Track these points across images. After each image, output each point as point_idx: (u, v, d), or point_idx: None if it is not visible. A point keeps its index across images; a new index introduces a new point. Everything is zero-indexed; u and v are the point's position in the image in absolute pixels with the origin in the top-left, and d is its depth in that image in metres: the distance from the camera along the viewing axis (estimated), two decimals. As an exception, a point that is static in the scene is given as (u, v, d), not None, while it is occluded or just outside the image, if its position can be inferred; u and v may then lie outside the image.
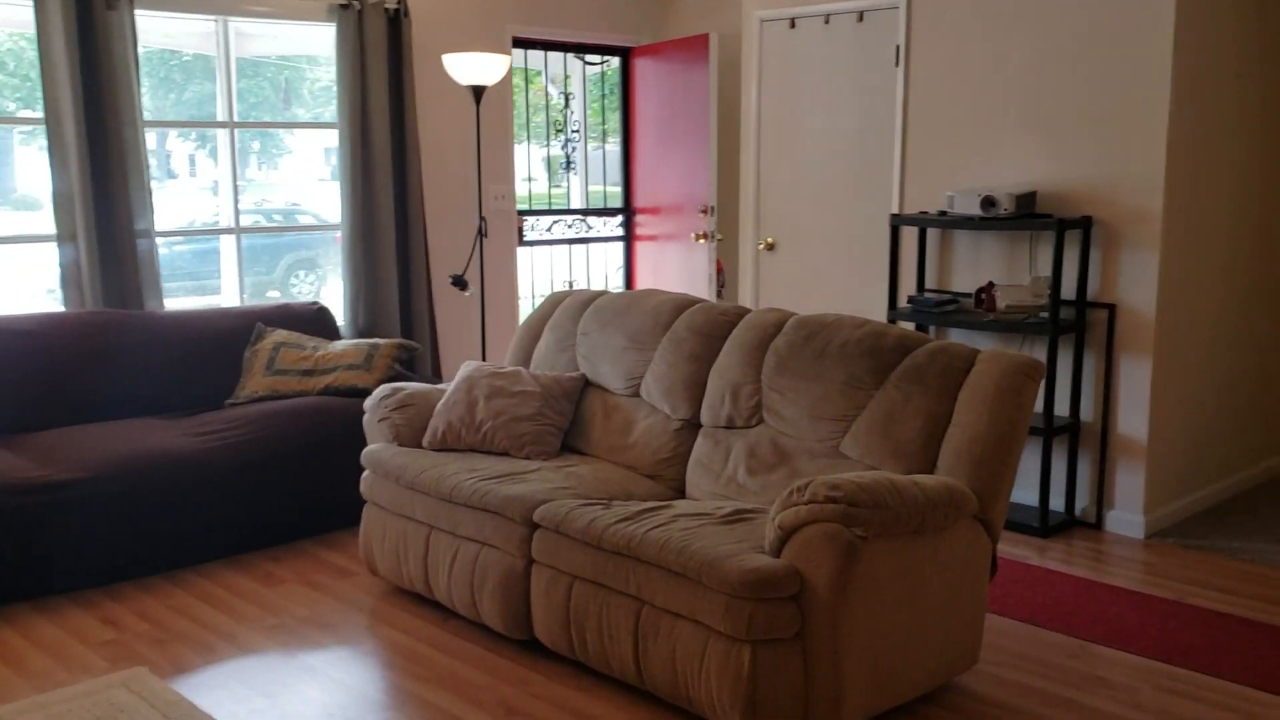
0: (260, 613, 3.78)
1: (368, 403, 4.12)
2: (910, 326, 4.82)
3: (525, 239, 6.45)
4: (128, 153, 4.77)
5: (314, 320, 5.20)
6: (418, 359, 5.60)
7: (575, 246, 6.75)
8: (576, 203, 6.88)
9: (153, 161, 5.06)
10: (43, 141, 4.66)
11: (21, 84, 5.12)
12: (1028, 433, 4.16)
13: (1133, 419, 4.50)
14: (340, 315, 5.61)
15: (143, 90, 4.86)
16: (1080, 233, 4.50)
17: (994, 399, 3.15)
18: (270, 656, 3.45)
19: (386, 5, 5.44)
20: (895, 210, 5.10)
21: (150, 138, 5.10)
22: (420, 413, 4.04)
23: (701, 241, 6.13)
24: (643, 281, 6.66)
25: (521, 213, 6.43)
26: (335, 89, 5.42)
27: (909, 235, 5.06)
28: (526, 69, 6.61)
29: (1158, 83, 4.28)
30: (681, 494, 3.73)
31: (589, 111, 6.87)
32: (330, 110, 5.91)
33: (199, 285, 6.14)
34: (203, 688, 3.24)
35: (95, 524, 3.90)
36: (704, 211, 6.10)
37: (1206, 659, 3.40)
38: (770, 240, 5.66)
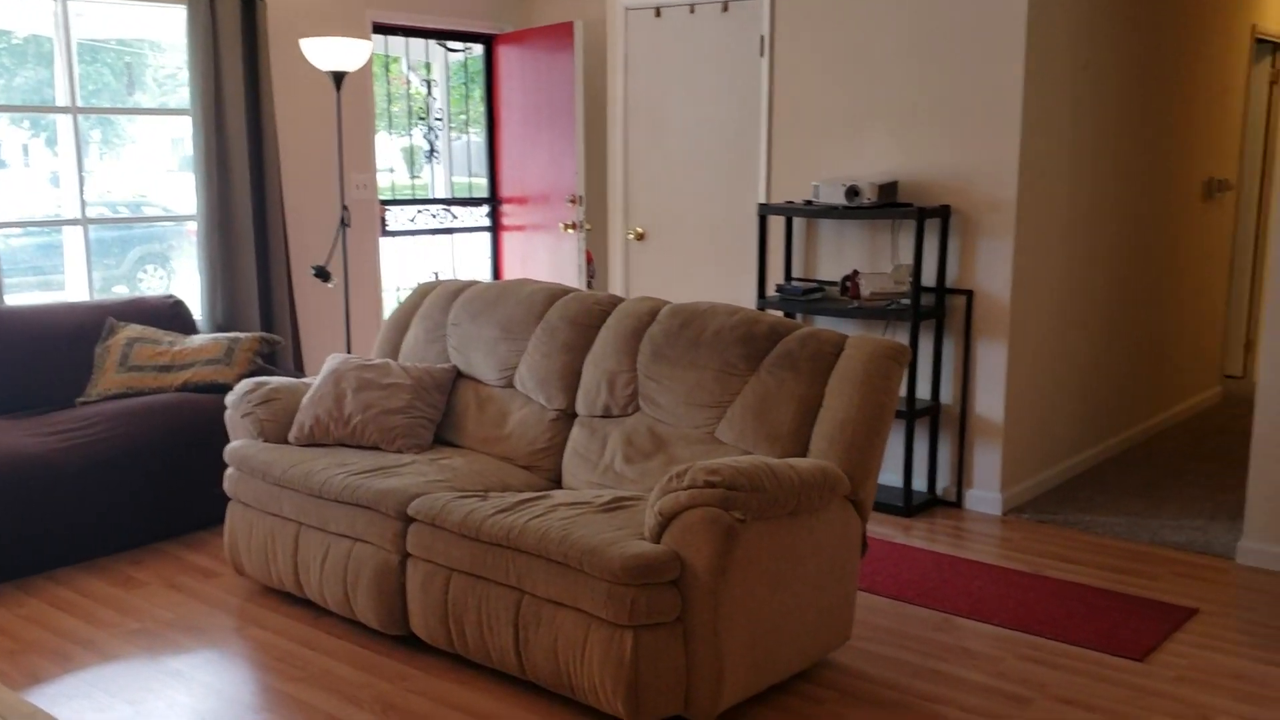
0: (121, 618, 3.62)
1: (230, 398, 3.98)
2: (781, 316, 4.91)
3: (388, 230, 6.33)
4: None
5: (170, 314, 4.99)
6: (280, 353, 5.44)
7: (440, 237, 6.65)
8: (440, 193, 6.78)
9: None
10: None
11: None
12: (894, 415, 4.29)
13: (989, 401, 4.68)
14: (197, 309, 5.41)
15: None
16: (939, 221, 4.66)
17: (863, 383, 3.23)
18: (133, 662, 3.31)
19: (241, -13, 5.26)
20: (763, 200, 5.18)
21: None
22: (286, 407, 3.92)
23: (570, 231, 6.12)
24: (510, 272, 6.61)
25: (384, 203, 6.30)
26: (187, 75, 5.21)
27: (776, 224, 5.15)
28: (387, 56, 6.48)
29: (1011, 76, 4.45)
30: (559, 484, 3.72)
31: (451, 100, 6.78)
32: (177, 97, 5.68)
33: (43, 281, 5.83)
34: (61, 698, 3.08)
35: (-66, 532, 3.68)
36: (572, 201, 6.09)
37: (1061, 627, 3.56)
38: (640, 230, 5.69)
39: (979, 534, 4.46)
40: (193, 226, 5.45)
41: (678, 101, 5.50)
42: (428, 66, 6.55)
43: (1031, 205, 4.62)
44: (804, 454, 3.25)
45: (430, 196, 6.67)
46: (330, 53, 5.04)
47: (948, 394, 4.78)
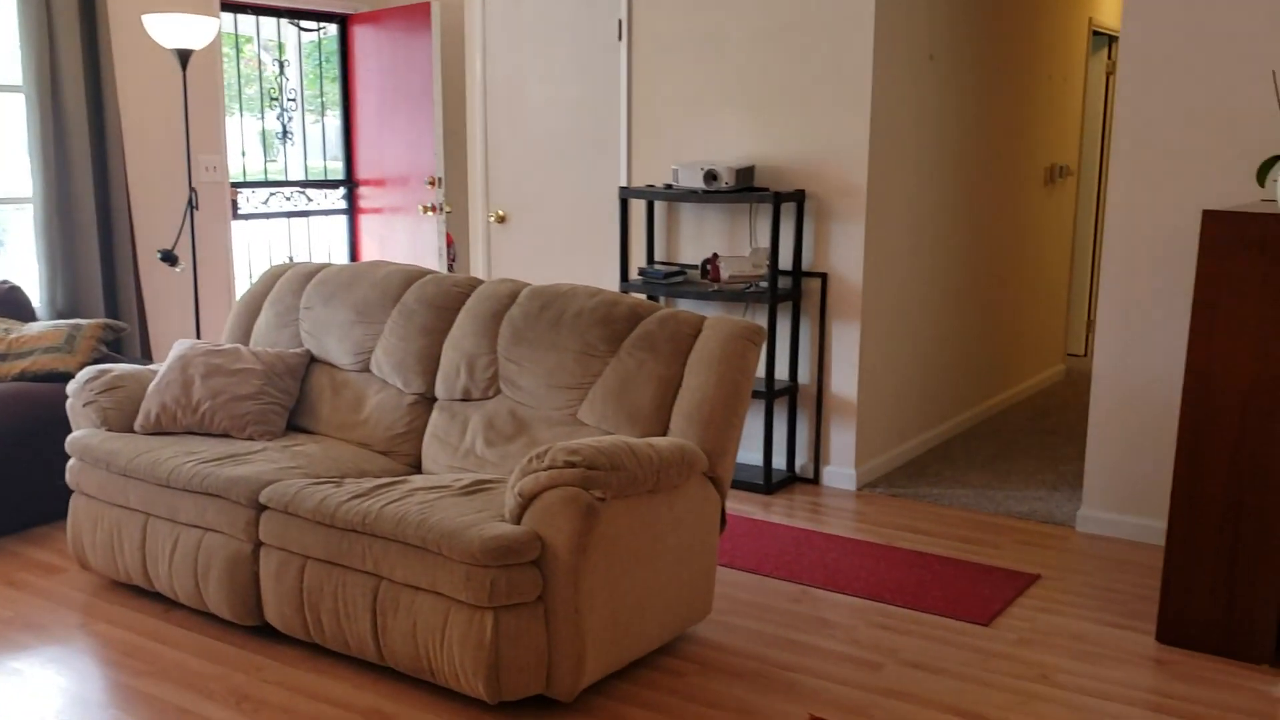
0: (-49, 620, 3.44)
1: (71, 386, 3.81)
2: (642, 298, 4.94)
3: (240, 213, 6.14)
4: None
5: (4, 301, 4.75)
6: (125, 340, 5.23)
7: (295, 221, 6.48)
8: (296, 177, 6.60)
9: None
10: None
11: None
12: (751, 394, 4.36)
13: (844, 381, 4.81)
14: (35, 295, 5.16)
15: None
16: (795, 206, 4.75)
17: (720, 362, 3.28)
18: (-35, 666, 3.15)
19: (77, -42, 5.02)
20: (624, 183, 5.21)
21: None
22: (131, 395, 3.78)
23: (430, 214, 6.04)
24: (369, 256, 6.49)
25: (235, 185, 6.11)
26: (19, 50, 4.95)
27: (638, 208, 5.18)
28: (237, 35, 6.27)
29: (860, 63, 4.57)
30: (418, 469, 3.68)
31: (306, 81, 6.61)
32: (9, 74, 5.39)
33: None
34: (-116, 706, 2.92)
35: None
36: (431, 183, 6.01)
37: (912, 595, 3.69)
38: (501, 213, 5.65)
39: (835, 509, 4.59)
40: (30, 209, 5.19)
41: (538, 84, 5.47)
42: (280, 46, 6.36)
43: (882, 190, 4.76)
44: (664, 433, 3.29)
45: (285, 179, 6.49)
46: (175, 30, 4.85)
47: (805, 374, 4.90)
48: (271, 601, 3.20)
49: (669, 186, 4.92)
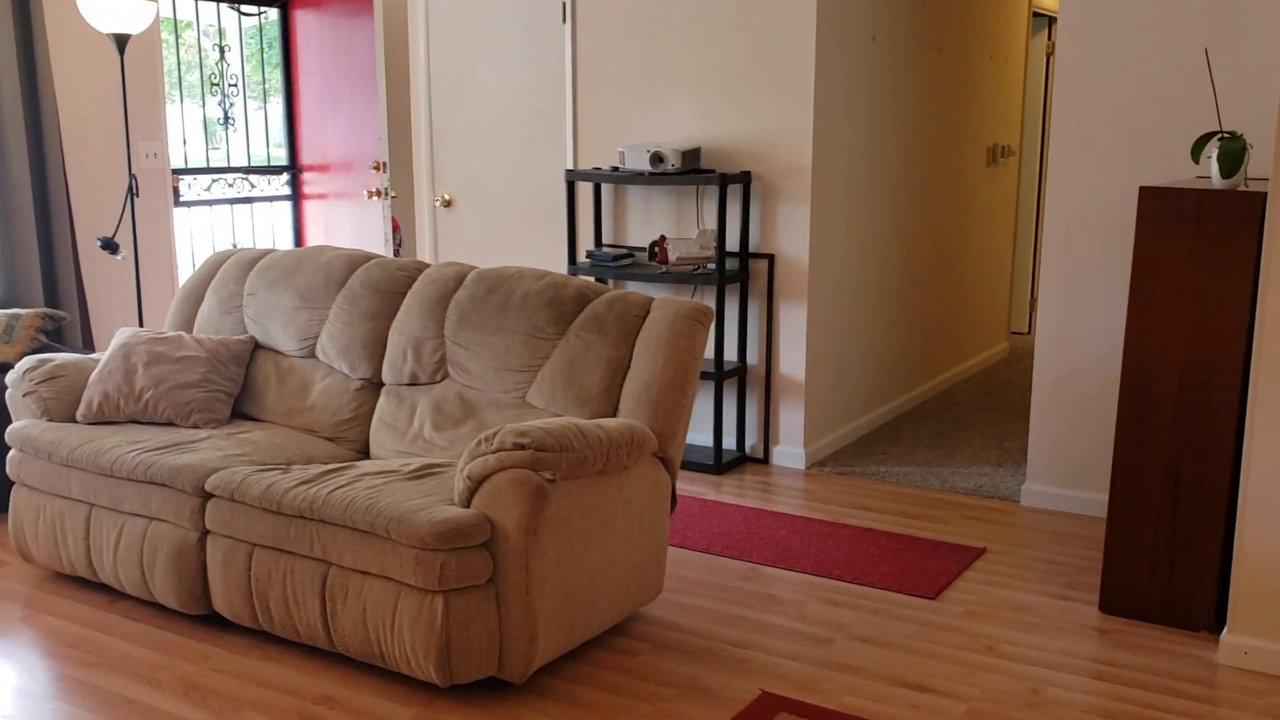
0: (-112, 616, 3.37)
1: (10, 377, 3.74)
2: (590, 280, 4.94)
3: (182, 200, 6.05)
4: None
5: (-63, 291, 4.65)
6: (66, 329, 5.14)
7: (239, 207, 6.40)
8: (239, 163, 6.51)
9: None
10: None
11: None
12: (700, 374, 4.38)
13: (792, 361, 4.84)
14: (-31, 285, 5.05)
15: None
16: (741, 187, 4.77)
17: (668, 343, 3.29)
18: (-97, 662, 3.09)
19: (7, -61, 4.90)
20: (570, 166, 5.19)
21: None
22: (72, 385, 3.72)
23: (375, 199, 5.99)
24: (314, 242, 6.42)
25: (177, 172, 6.01)
26: (-51, 31, 4.83)
27: (585, 190, 5.17)
28: (176, 20, 6.16)
29: (803, 45, 4.59)
30: (366, 455, 3.66)
31: (248, 66, 6.51)
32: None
33: None
34: None
35: None
36: (376, 168, 5.95)
37: (860, 571, 3.73)
38: (447, 197, 5.61)
39: (785, 488, 4.62)
40: (-38, 197, 5.07)
41: (482, 67, 5.44)
42: (221, 31, 6.26)
43: (826, 171, 4.79)
44: (613, 415, 3.29)
45: (228, 166, 6.40)
46: (111, 13, 4.76)
47: (754, 355, 4.92)
48: (219, 590, 3.17)
49: (615, 169, 4.91)
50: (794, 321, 4.81)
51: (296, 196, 6.51)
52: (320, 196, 6.36)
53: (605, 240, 5.16)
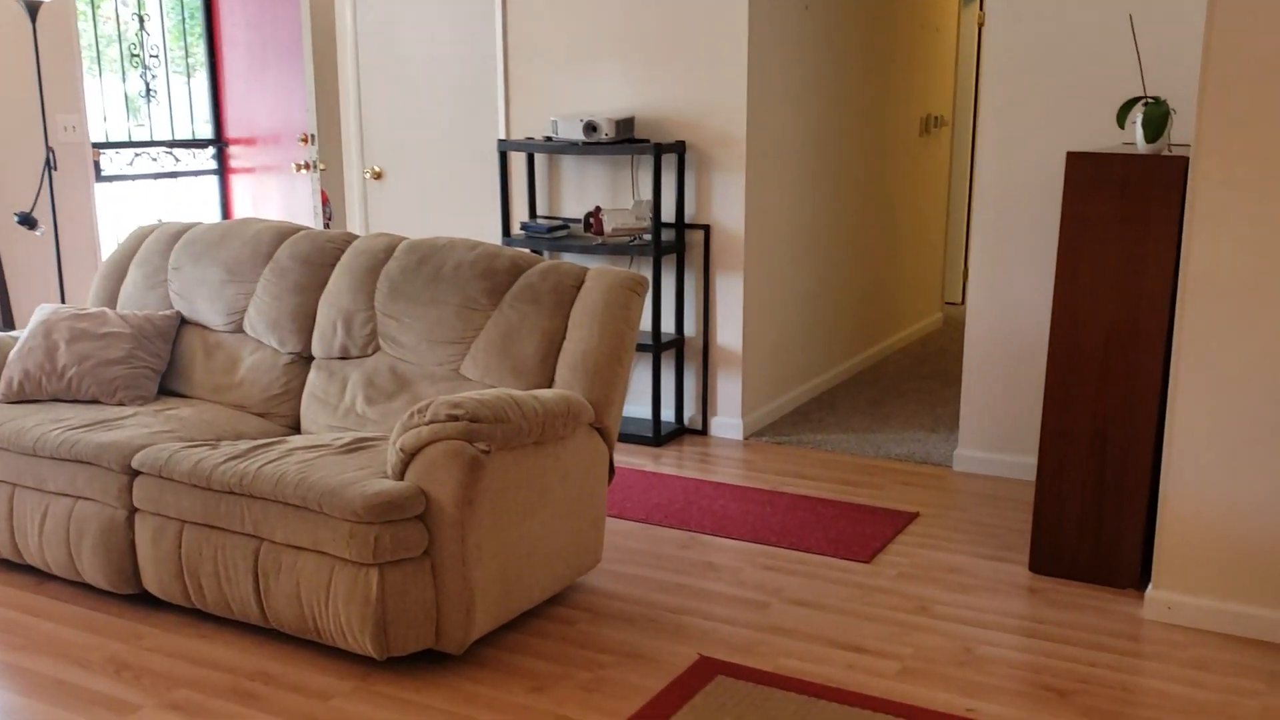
0: None
1: (-77, 356, 3.63)
2: (523, 251, 4.90)
3: (104, 174, 5.89)
4: None
5: None
6: (-16, 309, 4.99)
7: (164, 182, 6.25)
8: (162, 137, 6.36)
9: None
10: None
11: None
12: (637, 346, 4.37)
13: (730, 332, 4.85)
14: (-120, 263, 4.88)
15: None
16: (676, 157, 4.76)
17: (603, 313, 3.28)
18: None
19: (-88, -97, 4.71)
20: (503, 136, 5.14)
21: None
22: (-10, 364, 3.61)
23: (304, 172, 5.88)
24: (242, 216, 6.29)
25: (98, 146, 5.86)
26: None
27: (518, 161, 5.13)
28: (93, -12, 5.98)
29: (737, 14, 4.58)
30: (297, 430, 3.61)
31: (169, 37, 6.35)
32: None
33: None
34: None
35: None
36: (304, 140, 5.85)
37: (797, 537, 3.77)
38: (378, 169, 5.53)
39: (723, 458, 4.65)
40: None
41: (411, 36, 5.35)
42: (140, 2, 6.09)
43: (761, 142, 4.79)
44: (549, 386, 3.28)
45: (151, 140, 6.24)
46: (23, -21, 4.60)
47: (691, 327, 4.93)
48: (149, 568, 3.11)
49: (549, 139, 4.88)
50: (731, 293, 4.82)
51: (223, 171, 6.37)
52: (247, 171, 6.23)
53: (540, 212, 5.13)
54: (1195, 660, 2.95)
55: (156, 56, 6.22)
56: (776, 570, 3.52)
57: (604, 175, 4.96)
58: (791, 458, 4.65)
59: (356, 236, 3.72)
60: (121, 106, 6.18)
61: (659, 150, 4.58)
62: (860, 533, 3.81)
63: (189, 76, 6.40)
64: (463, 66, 5.24)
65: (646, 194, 4.86)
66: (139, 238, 4.07)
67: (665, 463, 4.58)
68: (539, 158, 5.08)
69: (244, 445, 3.09)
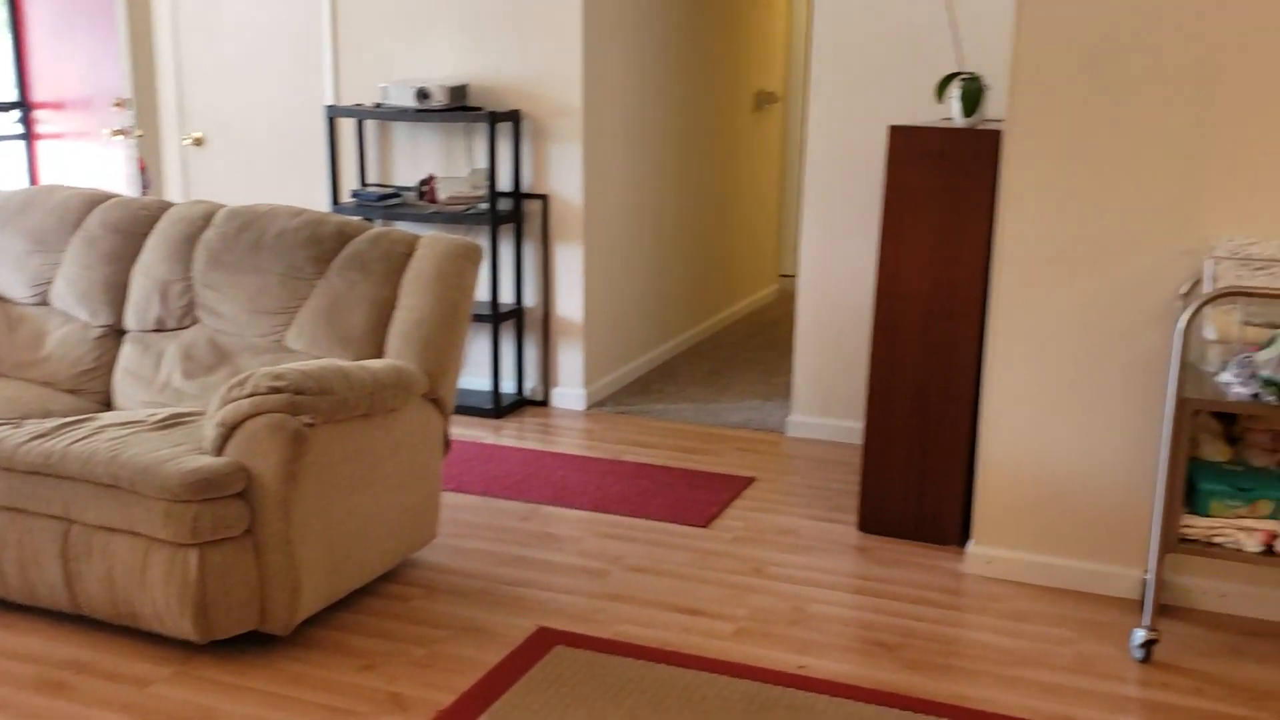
0: None
1: None
2: (352, 218, 4.77)
3: (-105, 139, 5.46)
4: None
5: None
6: None
7: (-36, 149, 5.83)
8: (-39, 98, 5.92)
9: None
10: None
11: None
12: (473, 315, 4.30)
13: (570, 302, 4.83)
14: None
15: None
16: (512, 126, 4.69)
17: (436, 281, 3.21)
18: None
19: None
20: (331, 102, 4.98)
21: None
22: None
23: (118, 138, 5.57)
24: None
25: (-113, 107, 5.42)
26: None
27: (347, 128, 4.97)
28: (-122, -65, 5.52)
29: (571, -19, 4.54)
30: (109, 407, 3.42)
31: (-32, -8, 5.91)
32: None
33: None
34: None
35: None
36: (118, 105, 5.54)
37: (636, 505, 3.79)
38: (198, 135, 5.29)
39: (565, 429, 4.63)
40: None
41: (234, -2, 5.12)
42: (-67, -49, 5.65)
43: (598, 111, 4.77)
44: (380, 356, 3.19)
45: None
46: None
47: (531, 297, 4.88)
48: (-56, 558, 2.91)
49: (379, 105, 4.74)
50: (571, 263, 4.79)
51: (29, 136, 5.98)
52: (56, 136, 5.86)
53: (370, 180, 4.99)
54: (1012, 612, 3.09)
55: (-49, 13, 5.79)
56: (617, 538, 3.53)
57: (438, 143, 4.86)
58: (632, 427, 4.67)
59: (172, 204, 3.55)
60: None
61: (494, 119, 4.51)
62: (698, 499, 3.85)
63: (-11, 36, 5.98)
64: (289, 29, 5.04)
65: (482, 163, 4.78)
66: (-70, 205, 3.78)
67: (506, 434, 4.54)
68: (370, 125, 4.94)
69: (51, 424, 2.92)
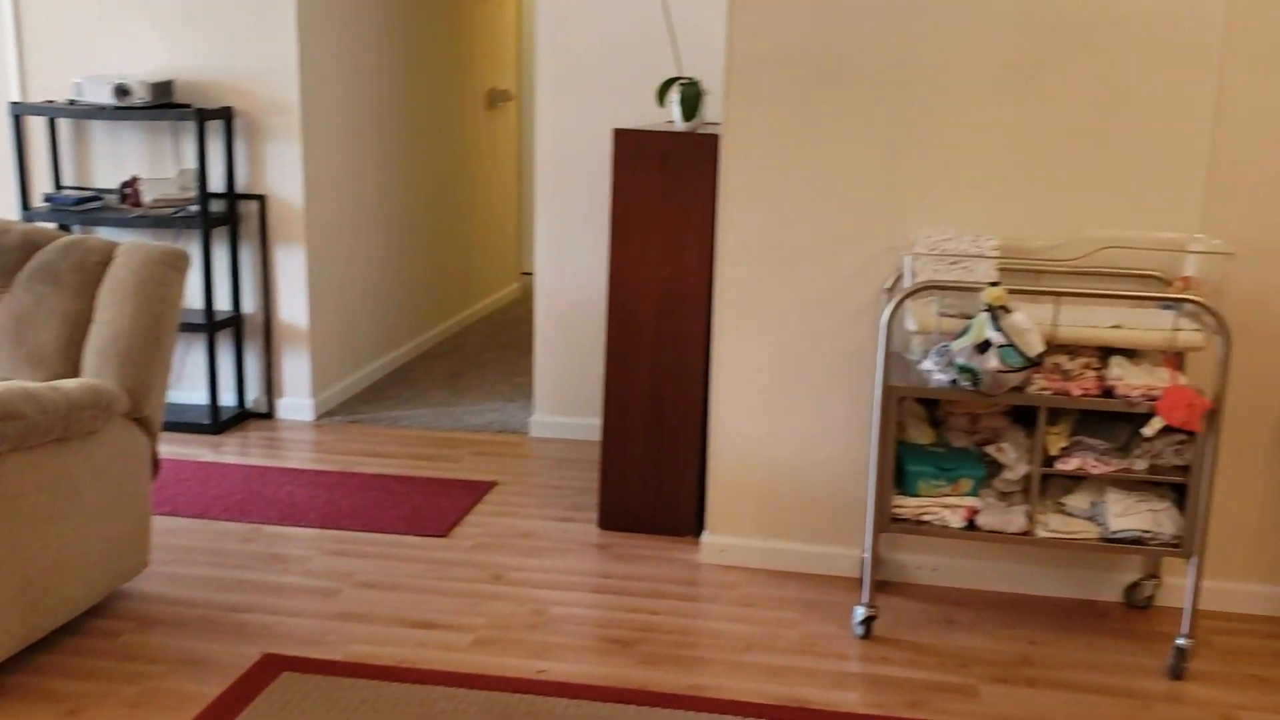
0: None
1: None
2: (52, 228, 4.38)
3: None
4: None
5: None
6: None
7: None
8: None
9: None
10: None
11: None
12: (181, 326, 4.05)
13: (293, 308, 4.62)
14: None
15: None
16: (223, 124, 4.44)
17: (136, 292, 2.99)
18: None
19: None
20: (16, 98, 4.55)
21: None
22: None
23: None
24: None
25: None
26: None
27: (37, 126, 4.56)
28: None
29: (283, -27, 4.33)
30: None
31: None
32: None
33: None
34: None
35: None
36: None
37: (369, 518, 3.66)
38: None
39: (292, 441, 4.43)
40: None
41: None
42: None
43: (317, 108, 4.59)
44: (75, 374, 2.94)
45: None
46: None
47: (250, 303, 4.64)
48: None
49: (72, 102, 4.38)
50: (293, 266, 4.58)
51: None
52: None
53: (66, 182, 4.60)
54: (743, 598, 3.19)
55: None
56: (348, 555, 3.40)
57: (142, 143, 4.54)
58: (366, 436, 4.52)
59: None
60: None
61: (202, 116, 4.25)
62: (436, 507, 3.77)
63: None
64: (-36, 16, 4.58)
65: (191, 162, 4.50)
66: None
67: (227, 451, 4.29)
68: (63, 123, 4.55)
69: None
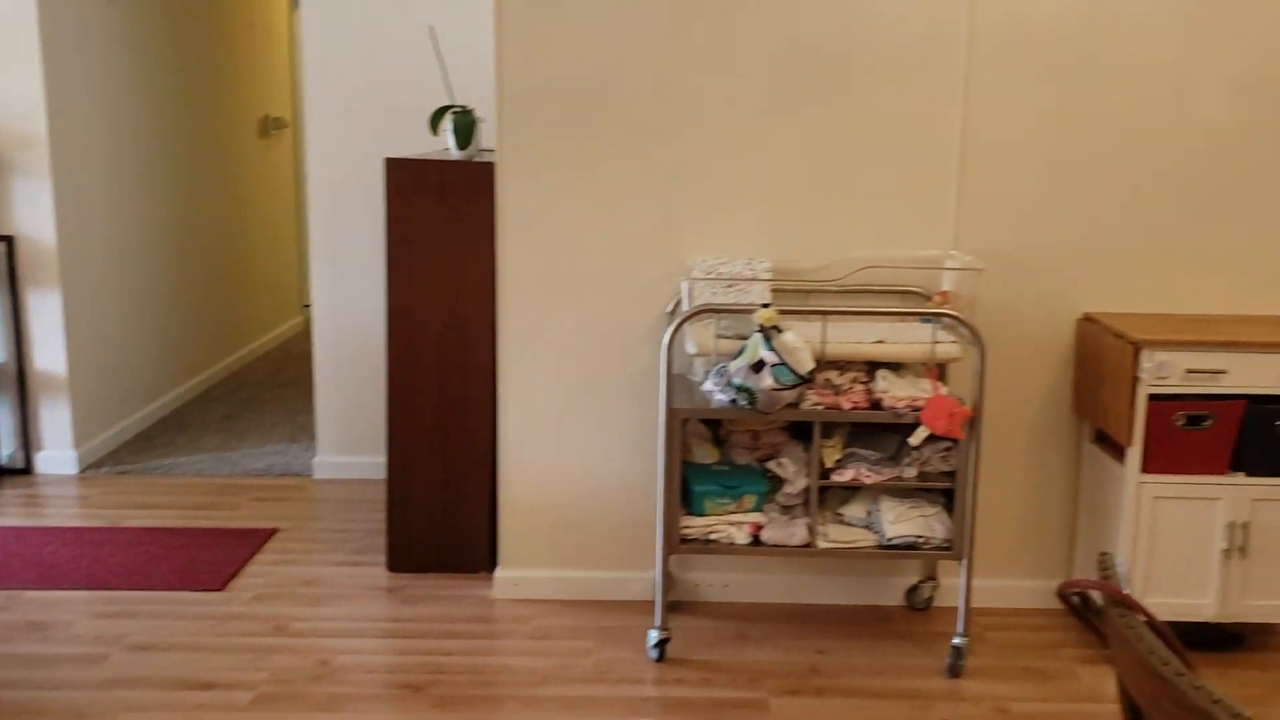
0: None
1: None
2: None
3: None
4: None
5: None
6: None
7: None
8: None
9: None
10: None
11: None
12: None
13: (49, 354, 4.32)
14: None
15: None
16: (-40, 159, 4.11)
17: None
18: None
19: None
20: None
21: None
22: None
23: None
24: None
25: None
26: None
27: None
28: None
29: (19, 5, 4.06)
30: None
31: None
32: None
33: None
34: None
35: None
36: None
37: (140, 575, 3.44)
38: None
39: (53, 497, 4.13)
40: None
41: None
42: None
43: (70, 143, 4.31)
44: None
45: None
46: None
47: (1, 352, 4.30)
48: None
49: None
50: (48, 311, 4.28)
51: None
52: None
53: None
54: (538, 631, 3.16)
55: None
56: (117, 616, 3.18)
57: None
58: (135, 488, 4.25)
59: None
60: None
61: (-64, 151, 3.93)
62: (213, 559, 3.58)
63: None
64: None
65: (-73, 203, 4.15)
66: None
67: (-22, 513, 3.97)
68: None
69: None
